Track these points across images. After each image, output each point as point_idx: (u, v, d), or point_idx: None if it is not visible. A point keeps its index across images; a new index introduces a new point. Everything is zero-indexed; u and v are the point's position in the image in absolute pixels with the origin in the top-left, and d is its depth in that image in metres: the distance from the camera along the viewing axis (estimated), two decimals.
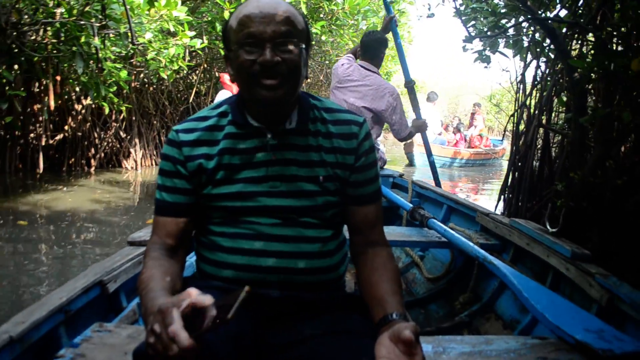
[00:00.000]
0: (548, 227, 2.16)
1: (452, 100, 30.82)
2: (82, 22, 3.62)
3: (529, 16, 2.51)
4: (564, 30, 3.07)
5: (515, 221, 2.35)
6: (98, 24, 3.84)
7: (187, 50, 6.06)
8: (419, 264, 3.04)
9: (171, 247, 1.17)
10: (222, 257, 1.16)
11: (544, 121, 3.84)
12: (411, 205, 2.98)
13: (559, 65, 3.78)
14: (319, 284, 1.18)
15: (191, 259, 1.33)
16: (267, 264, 1.13)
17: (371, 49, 3.58)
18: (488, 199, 7.47)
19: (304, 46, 1.10)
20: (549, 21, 2.45)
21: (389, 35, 4.14)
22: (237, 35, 1.06)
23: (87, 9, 3.76)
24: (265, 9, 1.05)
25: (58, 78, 5.32)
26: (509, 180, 4.61)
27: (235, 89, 4.93)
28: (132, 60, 6.16)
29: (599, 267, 1.76)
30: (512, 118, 4.51)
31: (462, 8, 3.53)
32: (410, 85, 4.06)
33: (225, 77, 5.22)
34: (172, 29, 4.91)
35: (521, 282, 1.75)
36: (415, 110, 4.13)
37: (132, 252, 1.79)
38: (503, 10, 3.79)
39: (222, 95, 5.13)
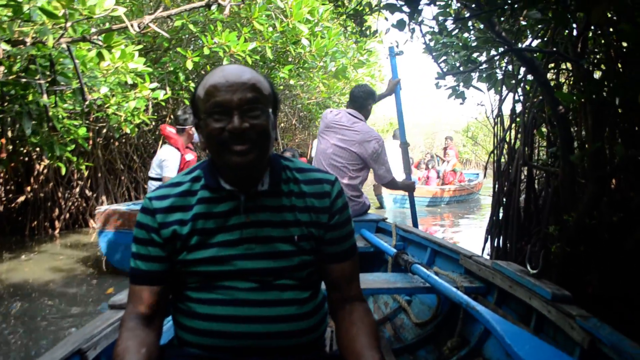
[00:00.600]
0: (529, 268, 2.14)
1: (428, 136, 31.04)
2: (24, 80, 3.33)
3: (505, 48, 2.30)
4: (542, 60, 2.90)
5: (497, 263, 2.35)
6: (44, 81, 3.55)
7: (151, 103, 5.80)
8: (407, 309, 3.00)
9: (147, 316, 1.16)
10: (199, 325, 1.15)
11: (526, 156, 3.64)
12: (395, 250, 3.04)
13: (538, 97, 3.61)
14: (298, 347, 1.18)
15: (168, 323, 1.29)
16: (246, 329, 1.13)
17: (360, 99, 3.76)
18: (471, 238, 7.21)
19: (271, 110, 1.14)
20: (527, 52, 2.25)
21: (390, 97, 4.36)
22: (205, 105, 1.10)
23: (31, 65, 3.48)
24: (231, 78, 1.09)
25: (2, 141, 5.01)
26: (494, 220, 4.36)
27: (181, 142, 4.70)
28: (93, 115, 5.86)
29: (580, 308, 1.77)
30: (492, 154, 4.31)
31: (432, 44, 3.35)
32: (404, 146, 4.34)
33: (169, 130, 4.83)
34: (130, 82, 4.64)
35: (504, 327, 1.77)
36: (405, 171, 4.36)
37: (112, 316, 1.73)
38: (474, 44, 3.63)
39: (167, 151, 4.73)
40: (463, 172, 14.10)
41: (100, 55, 3.58)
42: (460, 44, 3.12)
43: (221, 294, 1.14)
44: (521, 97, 3.96)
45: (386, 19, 3.22)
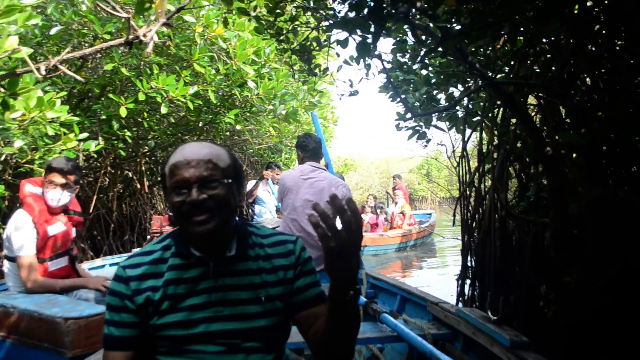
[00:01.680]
0: (490, 315, 2.19)
1: (383, 174, 31.01)
2: None
3: (480, 82, 1.94)
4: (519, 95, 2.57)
5: (461, 310, 2.42)
6: None
7: (81, 155, 5.21)
8: (379, 357, 3.03)
9: None
10: None
11: (502, 203, 3.28)
12: (365, 299, 3.07)
13: (507, 135, 3.29)
14: None
15: None
16: None
17: (316, 149, 3.66)
18: (437, 285, 6.84)
19: (230, 181, 1.24)
20: (506, 85, 1.90)
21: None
22: (169, 182, 1.22)
23: None
24: (189, 156, 1.21)
25: None
26: (467, 271, 3.98)
27: (37, 207, 3.00)
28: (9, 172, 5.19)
29: (537, 354, 1.84)
30: (459, 201, 3.96)
31: (388, 81, 2.99)
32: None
33: (27, 189, 3.07)
34: (51, 133, 4.07)
35: None
36: None
37: None
38: (434, 80, 3.31)
39: (18, 217, 2.94)
40: (413, 214, 12.33)
41: (4, 105, 3.03)
42: (423, 81, 2.76)
43: (190, 357, 1.20)
44: (491, 135, 3.65)
45: (338, 55, 2.85)
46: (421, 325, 2.59)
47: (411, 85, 3.25)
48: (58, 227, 3.06)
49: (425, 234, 12.11)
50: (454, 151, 4.78)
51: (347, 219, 0.99)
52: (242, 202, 1.42)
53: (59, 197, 3.02)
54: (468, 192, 3.79)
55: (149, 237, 4.64)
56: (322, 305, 1.28)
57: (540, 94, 2.30)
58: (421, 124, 3.90)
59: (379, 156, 35.33)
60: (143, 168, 6.67)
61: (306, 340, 1.30)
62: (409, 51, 2.61)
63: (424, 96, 3.25)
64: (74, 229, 3.31)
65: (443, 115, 4.00)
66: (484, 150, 3.80)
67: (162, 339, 1.21)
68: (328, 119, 8.16)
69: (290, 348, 2.49)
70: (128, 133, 5.55)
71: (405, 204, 12.04)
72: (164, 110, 4.88)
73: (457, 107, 3.91)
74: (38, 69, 2.65)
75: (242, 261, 1.27)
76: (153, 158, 8.14)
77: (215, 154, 1.23)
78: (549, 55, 2.26)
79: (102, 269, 5.14)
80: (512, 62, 2.52)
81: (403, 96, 3.55)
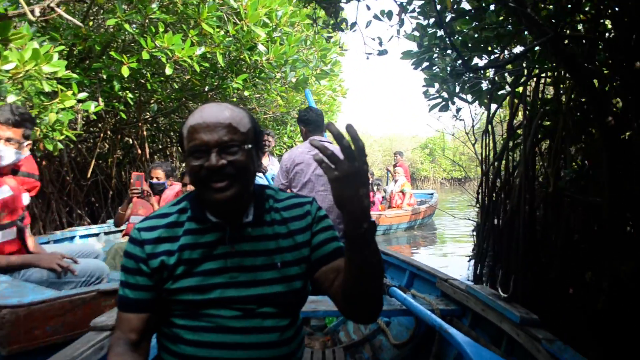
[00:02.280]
0: (500, 292, 2.18)
1: (386, 152, 30.68)
2: None
3: (544, 36, 1.67)
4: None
5: (471, 287, 2.41)
6: None
7: (80, 116, 4.94)
8: (385, 330, 3.02)
9: (135, 342, 1.22)
10: (183, 350, 1.20)
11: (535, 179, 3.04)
12: None
13: (539, 109, 3.02)
14: None
15: (152, 341, 1.29)
16: (229, 356, 1.19)
17: (320, 122, 3.50)
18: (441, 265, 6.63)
19: (250, 146, 1.20)
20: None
21: None
22: (187, 145, 1.17)
23: None
24: (209, 119, 1.16)
25: None
26: (482, 252, 3.77)
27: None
28: None
29: (547, 331, 1.82)
30: (483, 179, 3.71)
31: (422, 39, 2.70)
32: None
33: None
34: (46, 89, 3.79)
35: (475, 351, 1.87)
36: None
37: (94, 337, 1.69)
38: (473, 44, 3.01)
39: None
40: (413, 193, 11.55)
41: None
42: (460, 42, 2.48)
43: (205, 321, 1.20)
44: (518, 110, 3.39)
45: (368, 7, 2.56)
46: (430, 300, 2.59)
47: (440, 51, 2.96)
48: (2, 191, 2.50)
49: (427, 214, 11.51)
50: (473, 127, 4.53)
51: (346, 144, 0.96)
52: (261, 168, 1.25)
53: (1, 154, 2.44)
54: (494, 169, 3.54)
55: (128, 198, 4.16)
56: (342, 258, 1.24)
57: (608, 55, 2.03)
58: (444, 94, 3.64)
59: (383, 134, 34.91)
60: (145, 134, 6.40)
61: (331, 296, 1.27)
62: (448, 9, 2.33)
63: (456, 62, 2.98)
64: (26, 195, 2.69)
65: (467, 87, 3.74)
66: (513, 126, 3.54)
67: (177, 303, 1.21)
68: (337, 90, 7.85)
69: None
70: (130, 95, 5.27)
71: (406, 182, 11.18)
72: (168, 71, 4.60)
73: (482, 80, 3.64)
74: (32, 11, 2.38)
75: (258, 226, 1.25)
76: (155, 125, 7.86)
77: (237, 117, 1.19)
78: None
79: (71, 241, 4.75)
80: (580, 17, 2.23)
81: (425, 64, 3.27)
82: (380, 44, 2.69)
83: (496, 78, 3.59)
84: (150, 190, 4.16)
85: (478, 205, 4.26)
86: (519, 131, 3.67)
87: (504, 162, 3.41)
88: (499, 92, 3.81)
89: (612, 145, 1.83)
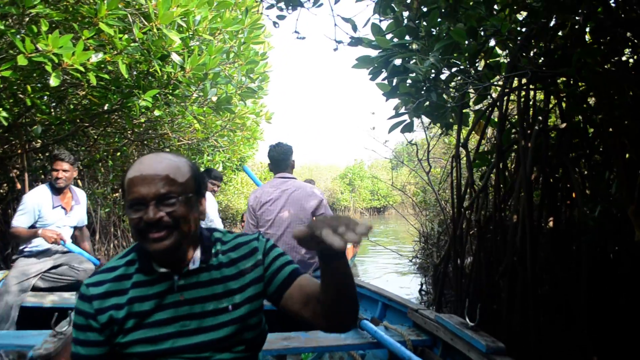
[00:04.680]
0: (468, 321, 2.23)
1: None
2: None
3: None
4: None
5: (440, 317, 2.47)
6: None
7: None
8: None
9: None
10: None
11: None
12: None
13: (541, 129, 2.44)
14: None
15: None
16: None
17: (283, 160, 3.63)
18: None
19: (190, 195, 1.20)
20: None
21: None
22: (127, 198, 1.17)
23: None
24: (145, 171, 1.16)
25: None
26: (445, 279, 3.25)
27: None
28: None
29: (512, 359, 1.88)
30: (453, 207, 3.12)
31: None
32: None
33: None
34: None
35: None
36: None
37: None
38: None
39: None
40: None
41: None
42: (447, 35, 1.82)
43: None
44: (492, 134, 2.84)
45: None
46: (401, 332, 2.65)
47: (418, 56, 2.30)
48: None
49: (352, 253, 10.09)
50: (429, 151, 3.96)
51: (318, 239, 0.96)
52: (204, 214, 1.18)
53: None
54: (477, 200, 2.95)
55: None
56: (301, 277, 1.28)
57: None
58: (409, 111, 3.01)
59: (304, 163, 34.37)
60: (26, 164, 5.18)
61: (306, 314, 1.22)
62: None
63: (431, 69, 2.34)
64: None
65: (427, 107, 3.11)
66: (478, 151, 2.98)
67: (130, 356, 1.20)
68: (260, 114, 7.06)
69: (272, 355, 2.59)
70: (4, 114, 4.14)
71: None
72: (53, 82, 3.58)
73: (449, 102, 3.03)
74: None
75: (206, 272, 1.26)
76: (47, 154, 6.47)
77: (174, 167, 1.20)
78: None
79: None
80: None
81: (414, 61, 2.58)
82: (354, 29, 2.01)
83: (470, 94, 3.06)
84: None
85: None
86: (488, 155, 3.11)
87: (491, 192, 2.83)
88: (464, 110, 3.26)
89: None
